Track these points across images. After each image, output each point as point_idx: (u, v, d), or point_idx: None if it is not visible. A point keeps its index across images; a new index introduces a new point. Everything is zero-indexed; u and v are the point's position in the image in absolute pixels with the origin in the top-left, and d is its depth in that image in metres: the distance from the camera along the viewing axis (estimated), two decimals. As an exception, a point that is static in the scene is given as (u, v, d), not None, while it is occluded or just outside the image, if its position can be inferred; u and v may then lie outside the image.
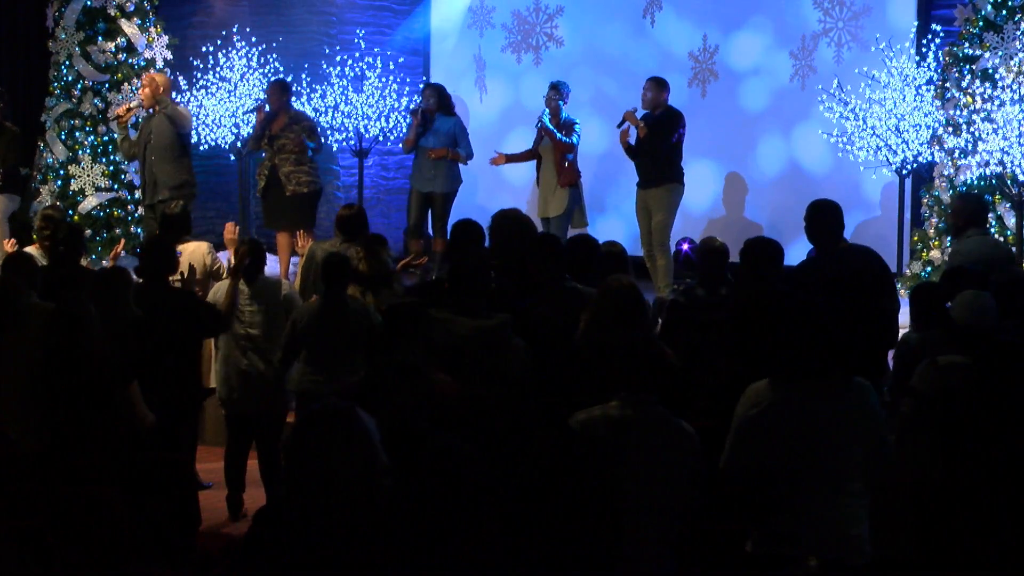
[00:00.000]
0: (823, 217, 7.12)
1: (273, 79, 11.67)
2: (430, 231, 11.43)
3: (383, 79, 12.40)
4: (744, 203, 12.15)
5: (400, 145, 11.89)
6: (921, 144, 10.23)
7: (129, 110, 10.89)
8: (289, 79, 12.08)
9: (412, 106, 11.75)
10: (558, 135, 10.95)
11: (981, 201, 8.35)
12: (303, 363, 7.29)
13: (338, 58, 12.56)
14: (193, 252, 8.47)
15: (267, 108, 11.03)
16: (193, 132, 11.30)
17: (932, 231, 9.95)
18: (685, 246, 11.25)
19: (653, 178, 10.61)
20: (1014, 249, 9.45)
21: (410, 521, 3.78)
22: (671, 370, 5.67)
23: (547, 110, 11.07)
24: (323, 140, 11.49)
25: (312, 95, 12.34)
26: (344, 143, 12.44)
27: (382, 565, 3.58)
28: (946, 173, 9.96)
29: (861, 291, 6.80)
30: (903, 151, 10.30)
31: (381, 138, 12.42)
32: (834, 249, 7.08)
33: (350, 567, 3.53)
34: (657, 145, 10.46)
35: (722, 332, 6.00)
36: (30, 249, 8.52)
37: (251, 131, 11.39)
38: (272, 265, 11.27)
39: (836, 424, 4.52)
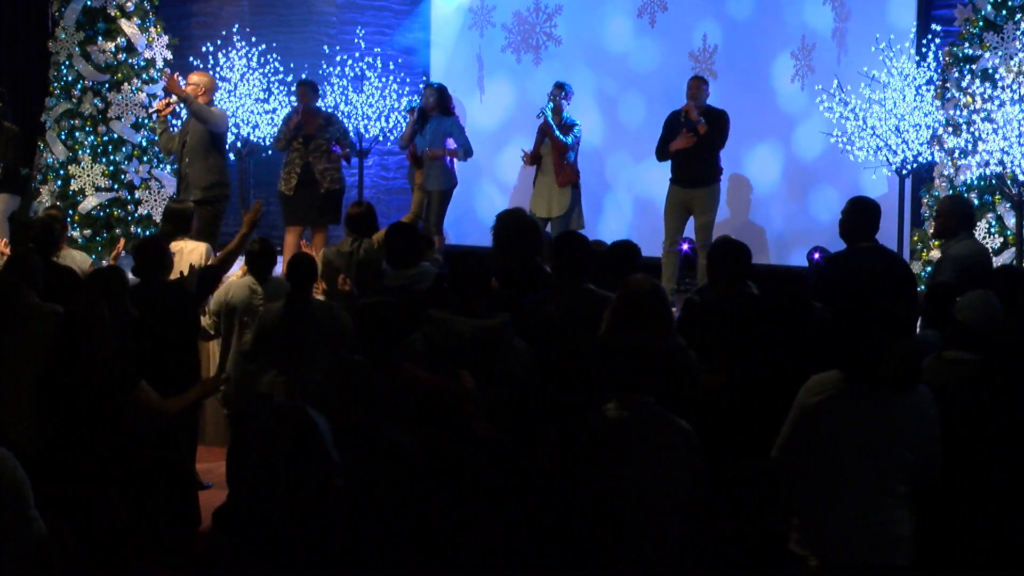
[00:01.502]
0: (864, 215, 7.13)
1: (302, 79, 11.68)
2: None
3: (383, 79, 12.42)
4: (743, 203, 12.14)
5: (398, 143, 11.90)
6: (921, 144, 10.23)
7: (168, 105, 10.94)
8: (289, 79, 12.10)
9: (412, 105, 11.77)
10: (556, 132, 10.95)
11: (971, 204, 8.34)
12: (270, 365, 7.28)
13: (338, 58, 12.57)
14: (191, 252, 8.43)
15: (299, 110, 11.07)
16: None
17: (932, 231, 9.94)
18: (685, 246, 11.25)
19: (699, 177, 10.57)
20: (1014, 249, 9.47)
21: (365, 519, 3.78)
22: (690, 372, 5.66)
23: (551, 104, 11.07)
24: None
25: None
26: (344, 143, 12.43)
27: (336, 563, 3.59)
28: (946, 173, 9.95)
29: (885, 292, 6.80)
30: (903, 151, 10.29)
31: (381, 138, 12.44)
32: (865, 248, 7.09)
33: (304, 565, 3.54)
34: (715, 142, 10.47)
35: (731, 332, 5.99)
36: None
37: (279, 130, 11.37)
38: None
39: (894, 426, 4.54)
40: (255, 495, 3.57)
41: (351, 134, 12.22)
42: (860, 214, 7.17)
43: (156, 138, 11.48)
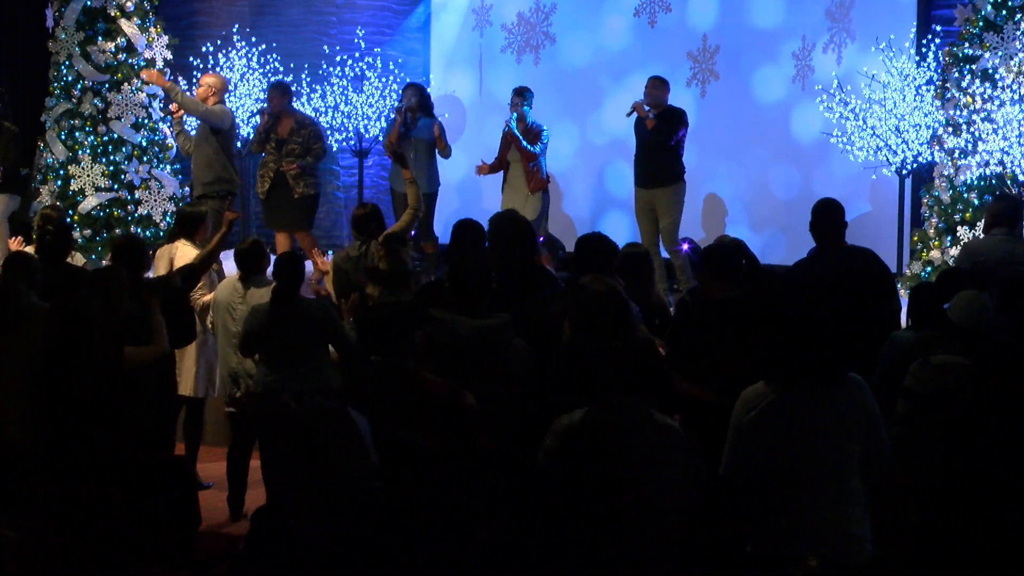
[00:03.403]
0: (825, 216, 7.15)
1: (273, 81, 11.68)
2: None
3: (383, 79, 12.42)
4: (743, 203, 12.14)
5: (382, 144, 11.81)
6: (921, 144, 10.23)
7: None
8: (289, 79, 12.10)
9: (398, 105, 11.64)
10: (523, 142, 10.93)
11: (1013, 202, 8.33)
12: (261, 364, 7.30)
13: (338, 58, 12.58)
14: (182, 257, 8.44)
15: (269, 111, 11.05)
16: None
17: (932, 231, 9.94)
18: (685, 246, 11.24)
19: (658, 178, 10.60)
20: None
21: (398, 521, 3.78)
22: (660, 369, 5.65)
23: (515, 115, 11.06)
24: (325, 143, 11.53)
25: (312, 95, 12.35)
26: (344, 143, 12.44)
27: (373, 563, 3.59)
28: (946, 173, 9.95)
29: (860, 292, 6.81)
30: (903, 151, 10.29)
31: (381, 138, 12.43)
32: (835, 248, 7.10)
33: (343, 565, 3.54)
34: (662, 139, 10.48)
35: (730, 331, 5.98)
36: (28, 248, 8.52)
37: (252, 133, 11.39)
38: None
39: (833, 422, 4.52)
40: (294, 495, 3.58)
41: (351, 134, 12.23)
42: (825, 216, 7.17)
43: (166, 136, 11.54)
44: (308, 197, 10.91)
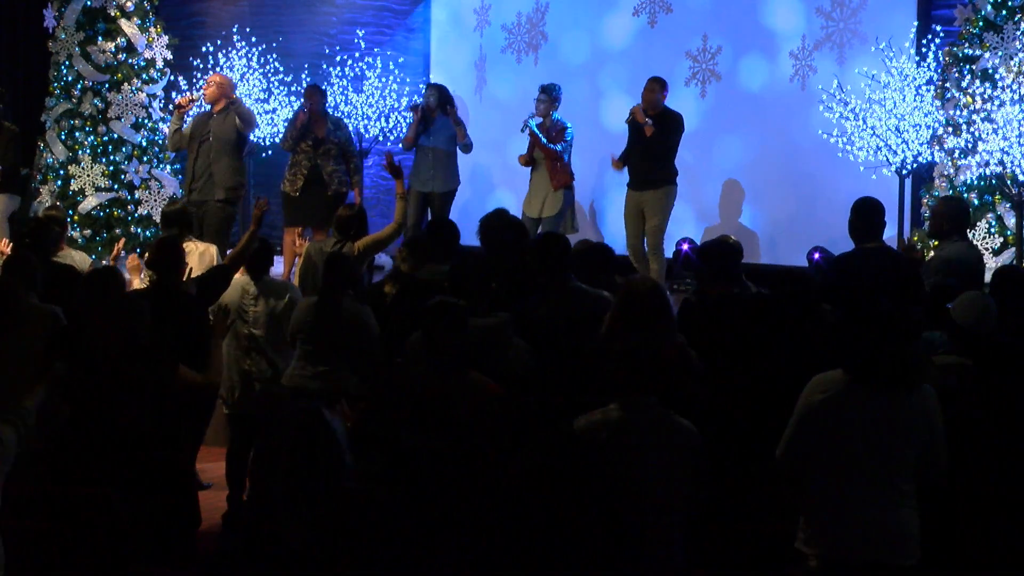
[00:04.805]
0: (865, 216, 7.18)
1: (310, 82, 11.69)
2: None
3: (383, 79, 12.43)
4: (743, 204, 12.14)
5: (400, 144, 11.88)
6: (921, 144, 10.22)
7: (192, 101, 10.96)
8: (289, 79, 12.12)
9: (413, 103, 11.71)
10: (543, 140, 10.92)
11: (966, 205, 8.35)
12: (296, 359, 7.30)
13: (338, 58, 12.58)
14: (203, 254, 8.45)
15: (307, 110, 11.08)
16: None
17: (928, 231, 9.94)
18: (685, 246, 11.24)
19: (649, 180, 10.61)
20: (1014, 249, 9.47)
21: (384, 521, 3.79)
22: (691, 370, 5.67)
23: (532, 113, 11.05)
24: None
25: (312, 95, 12.35)
26: (344, 143, 12.44)
27: (347, 564, 3.60)
28: (946, 173, 9.95)
29: (888, 293, 6.82)
30: (903, 151, 10.29)
31: (381, 138, 12.44)
32: (869, 249, 7.11)
33: (314, 566, 3.55)
34: (661, 144, 10.48)
35: (728, 333, 5.99)
36: None
37: (285, 131, 11.37)
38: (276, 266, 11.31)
39: (899, 424, 4.56)
40: (267, 494, 3.59)
41: (352, 134, 12.23)
42: (861, 215, 7.20)
43: (166, 136, 11.51)
44: (340, 195, 11.04)
